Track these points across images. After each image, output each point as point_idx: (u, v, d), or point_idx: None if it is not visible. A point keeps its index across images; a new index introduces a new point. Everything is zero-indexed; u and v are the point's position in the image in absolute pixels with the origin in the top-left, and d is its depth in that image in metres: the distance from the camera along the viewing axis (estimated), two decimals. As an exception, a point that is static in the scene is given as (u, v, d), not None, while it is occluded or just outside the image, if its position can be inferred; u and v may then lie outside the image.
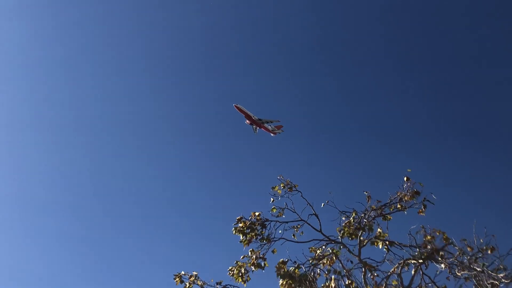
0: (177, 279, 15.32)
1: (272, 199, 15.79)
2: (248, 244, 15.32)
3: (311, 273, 14.78)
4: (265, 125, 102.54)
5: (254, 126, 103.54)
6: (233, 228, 15.51)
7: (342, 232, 14.86)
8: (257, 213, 15.61)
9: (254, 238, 15.38)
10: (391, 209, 14.80)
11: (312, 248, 15.12)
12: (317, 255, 15.06)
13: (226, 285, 15.14)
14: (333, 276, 14.31)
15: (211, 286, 15.15)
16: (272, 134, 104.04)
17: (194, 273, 15.36)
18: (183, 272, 15.37)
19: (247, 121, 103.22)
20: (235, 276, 15.36)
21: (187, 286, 15.16)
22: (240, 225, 15.49)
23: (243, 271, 15.25)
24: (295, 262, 14.86)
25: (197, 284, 15.18)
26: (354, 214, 14.89)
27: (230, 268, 15.54)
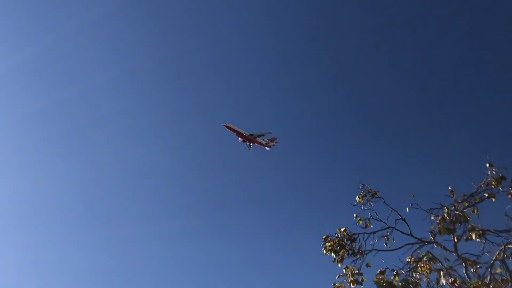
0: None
1: (355, 215, 15.55)
2: (341, 261, 15.00)
3: (411, 278, 14.57)
4: (258, 139, 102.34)
5: (248, 143, 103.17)
6: (323, 248, 15.18)
7: (436, 230, 14.69)
8: (342, 229, 15.34)
9: (346, 254, 15.08)
10: (477, 200, 14.73)
11: (410, 258, 14.86)
12: (413, 259, 14.86)
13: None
14: (441, 273, 14.13)
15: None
16: (267, 148, 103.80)
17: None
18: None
19: (240, 139, 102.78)
20: (335, 297, 15.00)
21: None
22: (328, 244, 15.18)
23: (343, 291, 14.90)
24: (392, 269, 14.64)
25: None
26: (446, 209, 14.75)
27: (328, 290, 15.18)
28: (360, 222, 15.40)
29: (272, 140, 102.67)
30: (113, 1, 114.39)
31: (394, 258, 14.97)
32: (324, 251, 15.15)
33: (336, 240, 15.16)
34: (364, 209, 15.44)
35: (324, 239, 15.27)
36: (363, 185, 15.93)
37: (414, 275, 14.68)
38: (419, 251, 14.96)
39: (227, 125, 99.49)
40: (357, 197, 15.69)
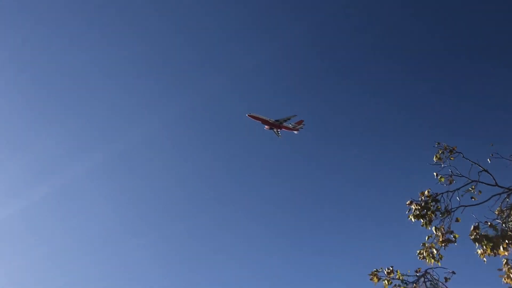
0: (374, 277, 14.81)
1: (435, 173, 15.42)
2: (430, 224, 14.93)
3: (507, 227, 14.37)
4: (285, 124, 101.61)
5: (275, 130, 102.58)
6: (410, 215, 15.09)
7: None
8: (425, 192, 15.23)
9: (433, 215, 14.99)
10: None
11: (499, 208, 14.64)
12: (503, 208, 14.64)
13: (427, 269, 14.67)
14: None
15: (411, 275, 14.67)
16: (295, 132, 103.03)
17: (390, 268, 14.86)
18: (378, 269, 14.83)
19: (266, 126, 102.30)
20: (426, 258, 14.97)
21: (386, 283, 14.65)
22: (414, 208, 15.11)
23: (434, 251, 14.85)
24: (485, 222, 14.47)
25: (397, 279, 14.71)
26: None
27: (418, 251, 15.14)
28: (442, 179, 15.24)
29: (299, 123, 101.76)
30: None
31: (484, 211, 14.82)
32: (411, 218, 15.06)
33: (421, 204, 15.07)
34: (444, 167, 15.29)
35: (409, 204, 15.18)
36: (439, 143, 15.71)
37: (509, 224, 14.45)
38: (507, 200, 14.74)
39: (251, 114, 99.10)
40: (434, 156, 15.52)
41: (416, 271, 14.62)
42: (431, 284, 14.48)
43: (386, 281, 14.67)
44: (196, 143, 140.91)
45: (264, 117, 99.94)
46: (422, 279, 14.55)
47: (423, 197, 15.18)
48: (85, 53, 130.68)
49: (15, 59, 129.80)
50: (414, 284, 14.36)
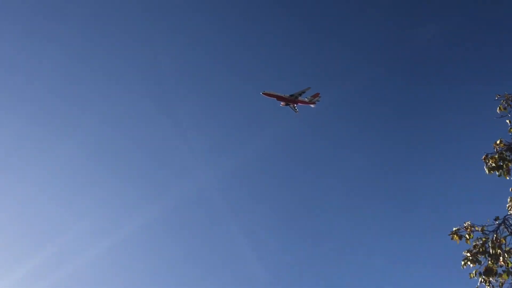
0: (454, 235, 15.16)
1: (508, 121, 15.59)
2: (508, 173, 15.17)
3: None
4: (300, 98, 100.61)
5: (291, 105, 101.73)
6: (486, 168, 15.26)
7: None
8: (497, 141, 15.38)
9: (511, 164, 15.21)
10: None
11: None
12: None
13: (506, 216, 14.86)
14: None
15: (490, 224, 14.88)
16: (312, 105, 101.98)
17: (467, 223, 15.17)
18: (458, 227, 15.17)
19: (282, 103, 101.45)
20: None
21: (468, 237, 14.97)
22: (490, 161, 15.28)
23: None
24: None
25: (477, 231, 15.00)
26: None
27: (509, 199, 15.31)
28: (512, 130, 15.39)
29: (315, 96, 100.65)
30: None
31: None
32: (487, 171, 15.25)
33: (497, 155, 15.28)
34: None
35: (484, 158, 15.35)
36: (499, 95, 15.88)
37: None
38: None
39: (265, 92, 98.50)
40: (498, 108, 15.72)
41: (495, 219, 14.91)
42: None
43: (466, 235, 15.03)
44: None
45: (278, 94, 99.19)
46: (502, 225, 14.88)
47: (497, 148, 15.36)
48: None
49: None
50: (495, 234, 14.71)
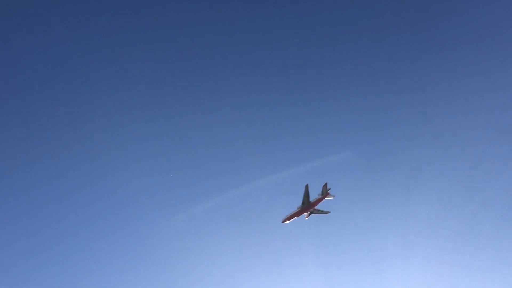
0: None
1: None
2: None
3: None
4: (313, 200, 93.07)
5: (309, 211, 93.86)
6: None
7: None
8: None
9: None
10: None
11: None
12: None
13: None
14: None
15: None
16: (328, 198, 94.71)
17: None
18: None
19: (305, 216, 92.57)
20: None
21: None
22: None
23: None
24: None
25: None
26: None
27: None
28: None
29: (325, 186, 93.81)
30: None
31: None
32: None
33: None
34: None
35: None
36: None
37: None
38: None
39: (284, 220, 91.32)
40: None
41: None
42: None
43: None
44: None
45: (295, 211, 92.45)
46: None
47: None
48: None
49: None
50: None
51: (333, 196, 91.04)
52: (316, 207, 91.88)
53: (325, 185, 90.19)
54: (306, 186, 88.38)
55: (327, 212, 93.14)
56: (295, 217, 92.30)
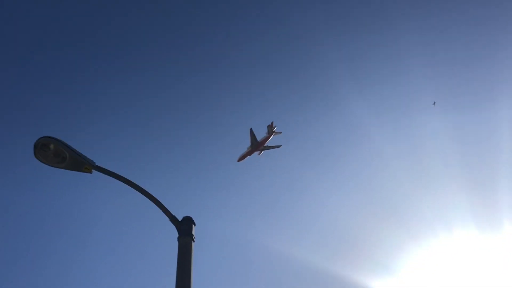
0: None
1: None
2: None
3: None
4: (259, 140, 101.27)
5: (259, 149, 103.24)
6: None
7: None
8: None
9: None
10: None
11: None
12: None
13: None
14: None
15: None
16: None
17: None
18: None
19: (257, 152, 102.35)
20: None
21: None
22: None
23: None
24: None
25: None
26: None
27: None
28: None
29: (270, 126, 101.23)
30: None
31: None
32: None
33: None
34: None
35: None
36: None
37: None
38: None
39: (239, 159, 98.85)
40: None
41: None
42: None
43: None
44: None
45: (246, 151, 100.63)
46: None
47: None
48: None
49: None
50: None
51: (281, 132, 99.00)
52: (266, 144, 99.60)
53: (271, 124, 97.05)
54: (251, 130, 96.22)
55: (278, 146, 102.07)
56: (248, 156, 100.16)
